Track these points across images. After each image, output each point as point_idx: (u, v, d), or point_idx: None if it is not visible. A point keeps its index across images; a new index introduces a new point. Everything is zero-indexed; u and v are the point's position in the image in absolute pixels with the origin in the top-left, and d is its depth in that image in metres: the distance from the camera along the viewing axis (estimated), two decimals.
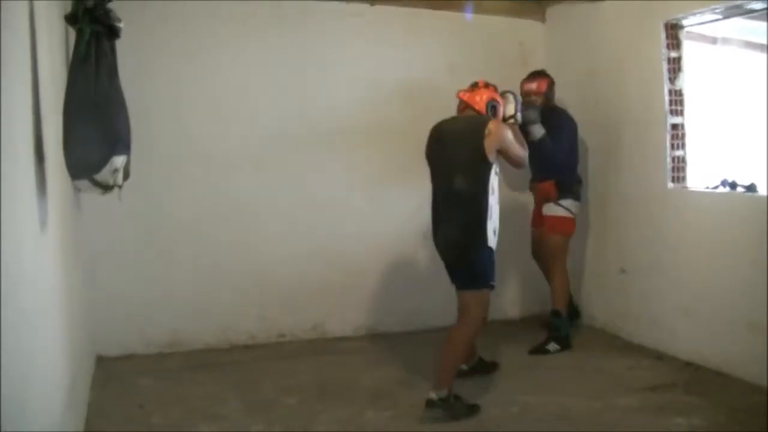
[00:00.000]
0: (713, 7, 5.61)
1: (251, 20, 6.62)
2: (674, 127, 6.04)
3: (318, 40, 6.82)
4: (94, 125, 3.51)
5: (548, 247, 6.65)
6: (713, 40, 6.63)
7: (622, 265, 6.59)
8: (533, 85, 6.53)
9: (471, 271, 5.22)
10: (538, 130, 6.29)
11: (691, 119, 6.08)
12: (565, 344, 6.39)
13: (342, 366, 6.11)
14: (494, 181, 5.18)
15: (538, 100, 6.45)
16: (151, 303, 6.38)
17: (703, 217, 5.75)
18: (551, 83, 6.61)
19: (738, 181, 5.66)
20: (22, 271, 2.75)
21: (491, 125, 5.15)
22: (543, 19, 7.57)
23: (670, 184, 6.03)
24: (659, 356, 6.00)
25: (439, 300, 6.97)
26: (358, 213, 6.97)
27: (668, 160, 6.02)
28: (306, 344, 6.71)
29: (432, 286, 7.01)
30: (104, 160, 3.54)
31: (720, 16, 5.76)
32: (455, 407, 4.92)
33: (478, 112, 5.36)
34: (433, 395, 4.91)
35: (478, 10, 7.21)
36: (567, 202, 6.52)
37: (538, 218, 6.80)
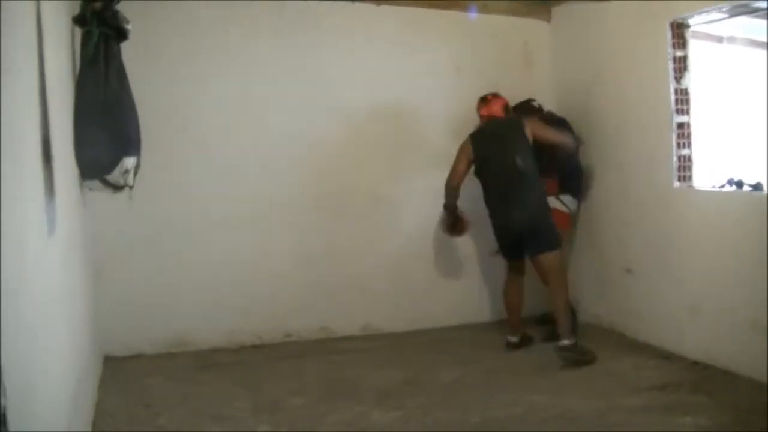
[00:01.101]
0: (719, 5, 5.60)
1: (256, 21, 6.63)
2: (680, 126, 6.03)
3: (323, 41, 6.83)
4: (105, 127, 3.52)
5: None
6: (719, 39, 6.62)
7: (628, 265, 6.58)
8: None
9: (549, 233, 6.17)
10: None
11: (697, 118, 6.07)
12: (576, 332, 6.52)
13: (348, 366, 6.11)
14: None
15: None
16: (159, 303, 6.40)
17: (710, 216, 5.73)
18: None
19: (744, 180, 5.66)
20: (29, 273, 2.76)
21: (524, 120, 6.30)
22: (548, 19, 7.57)
23: (676, 184, 6.03)
24: (666, 356, 5.99)
25: (445, 300, 7.02)
26: (365, 213, 6.97)
27: (674, 159, 6.02)
28: (312, 344, 6.70)
29: (438, 286, 7.05)
30: (115, 162, 3.55)
31: (726, 15, 5.75)
32: (581, 351, 5.95)
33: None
34: (565, 342, 5.96)
35: (483, 9, 7.22)
36: (565, 198, 6.75)
37: None
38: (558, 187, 6.73)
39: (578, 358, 5.89)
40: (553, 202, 6.60)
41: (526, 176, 6.09)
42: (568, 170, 6.78)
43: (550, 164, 6.52)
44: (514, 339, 6.47)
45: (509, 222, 6.17)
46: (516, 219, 6.11)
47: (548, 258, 6.11)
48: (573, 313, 6.72)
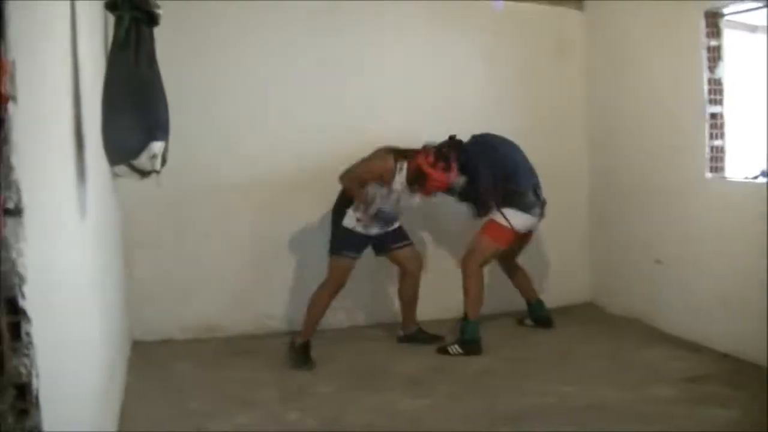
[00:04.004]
0: None
1: (287, 13, 6.63)
2: (713, 116, 5.98)
3: (352, 32, 6.83)
4: (133, 111, 3.52)
5: (473, 243, 6.39)
6: (753, 29, 6.55)
7: (658, 256, 6.54)
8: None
9: (332, 238, 6.15)
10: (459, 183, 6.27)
11: (730, 108, 6.03)
12: (472, 350, 6.13)
13: (377, 353, 6.15)
14: (373, 188, 5.95)
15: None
16: (189, 289, 6.45)
17: (742, 207, 5.68)
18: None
19: None
20: (63, 257, 2.78)
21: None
22: (581, 7, 7.51)
23: (708, 174, 5.98)
24: (696, 348, 5.94)
25: None
26: None
27: (707, 149, 5.97)
28: (341, 331, 6.73)
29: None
30: (143, 146, 3.55)
31: (761, 4, 5.69)
32: (297, 351, 5.91)
33: None
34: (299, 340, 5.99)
35: None
36: (507, 211, 6.22)
37: None
38: (501, 200, 6.29)
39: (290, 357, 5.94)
40: (493, 213, 6.29)
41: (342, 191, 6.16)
42: (503, 186, 6.28)
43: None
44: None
45: None
46: None
47: (329, 261, 6.15)
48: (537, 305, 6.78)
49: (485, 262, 6.36)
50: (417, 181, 6.00)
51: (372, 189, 5.95)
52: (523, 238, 6.55)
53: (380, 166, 5.95)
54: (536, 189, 6.32)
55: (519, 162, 6.31)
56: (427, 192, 6.08)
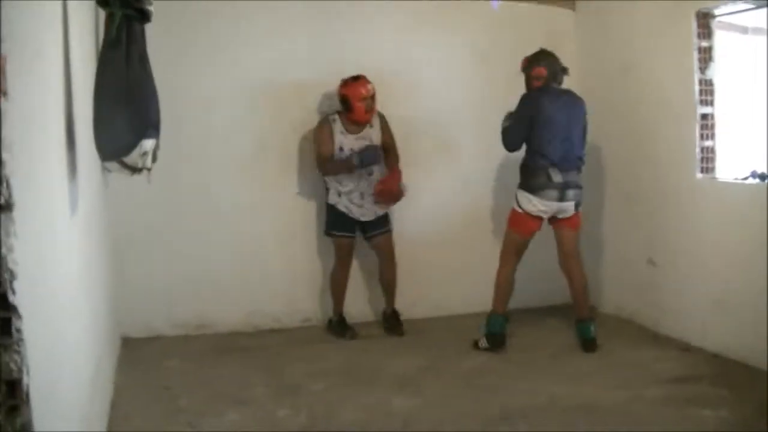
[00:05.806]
0: None
1: (279, 12, 6.64)
2: (704, 117, 5.98)
3: (348, 31, 6.80)
4: (125, 109, 3.51)
5: None
6: (744, 30, 6.56)
7: (650, 256, 6.55)
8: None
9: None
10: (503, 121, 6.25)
11: (721, 109, 6.03)
12: (495, 343, 6.06)
13: (368, 352, 6.13)
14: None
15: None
16: (178, 285, 6.44)
17: (733, 208, 5.69)
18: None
19: None
20: (54, 253, 2.77)
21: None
22: (573, 7, 7.50)
23: (699, 175, 5.99)
24: (686, 348, 5.95)
25: (465, 287, 6.98)
26: None
27: (697, 150, 5.98)
28: None
29: (458, 273, 7.02)
30: (133, 144, 3.55)
31: (752, 6, 5.70)
32: (334, 326, 6.65)
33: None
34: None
35: None
36: (518, 192, 6.05)
37: None
38: (520, 176, 6.10)
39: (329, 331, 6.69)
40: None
41: None
42: (524, 157, 6.07)
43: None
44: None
45: None
46: None
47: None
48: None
49: (509, 251, 6.17)
50: (346, 107, 6.38)
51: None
52: (558, 228, 6.23)
53: (320, 133, 6.46)
54: (553, 169, 5.90)
55: (549, 137, 5.92)
56: (356, 109, 6.34)
